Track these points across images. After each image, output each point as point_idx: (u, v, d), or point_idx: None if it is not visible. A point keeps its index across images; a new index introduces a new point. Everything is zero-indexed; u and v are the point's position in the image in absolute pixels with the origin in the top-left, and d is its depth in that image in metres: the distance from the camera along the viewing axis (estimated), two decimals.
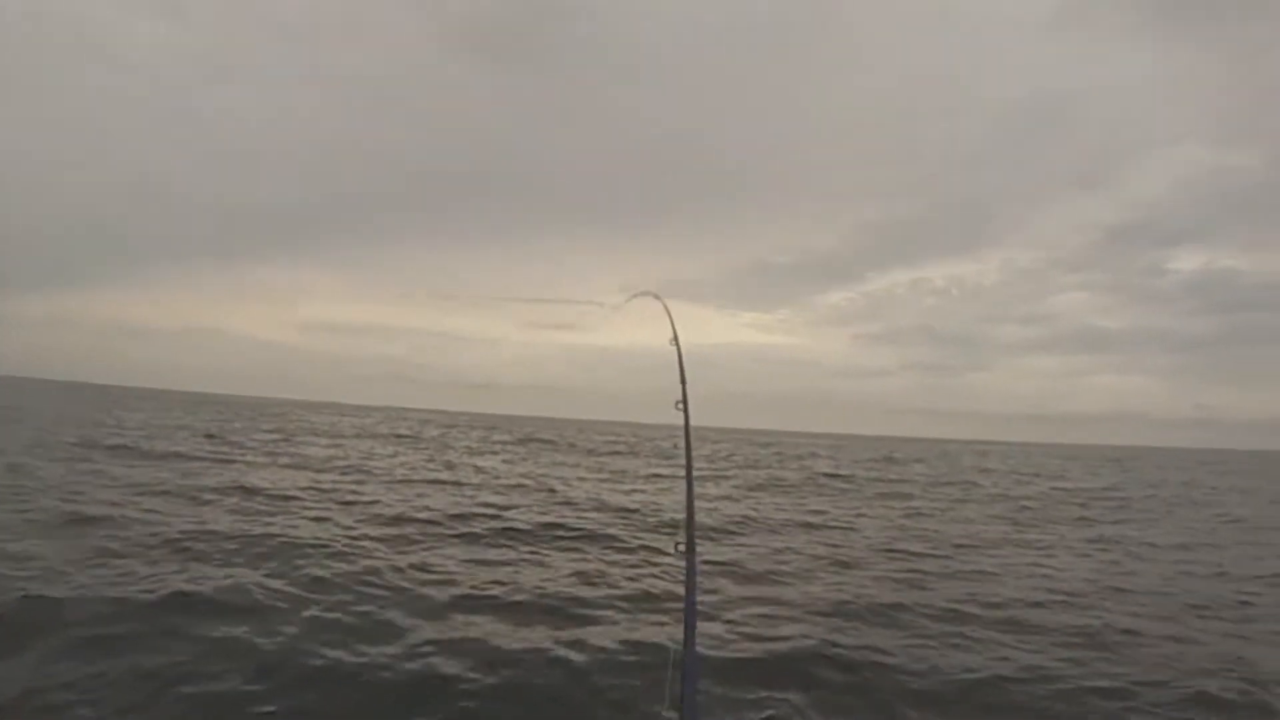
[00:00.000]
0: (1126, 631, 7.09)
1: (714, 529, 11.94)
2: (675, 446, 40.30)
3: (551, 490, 16.08)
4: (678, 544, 2.80)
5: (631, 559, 9.39)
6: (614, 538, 10.69)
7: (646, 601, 7.36)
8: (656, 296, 3.83)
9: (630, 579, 8.27)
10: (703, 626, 6.36)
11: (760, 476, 23.69)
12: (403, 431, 40.27)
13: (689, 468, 3.09)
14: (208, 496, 11.94)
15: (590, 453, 32.12)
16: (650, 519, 12.51)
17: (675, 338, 3.44)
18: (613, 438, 51.13)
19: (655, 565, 8.93)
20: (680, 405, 3.24)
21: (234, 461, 18.00)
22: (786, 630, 6.61)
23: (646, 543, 10.38)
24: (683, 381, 3.27)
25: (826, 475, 24.98)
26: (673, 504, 14.45)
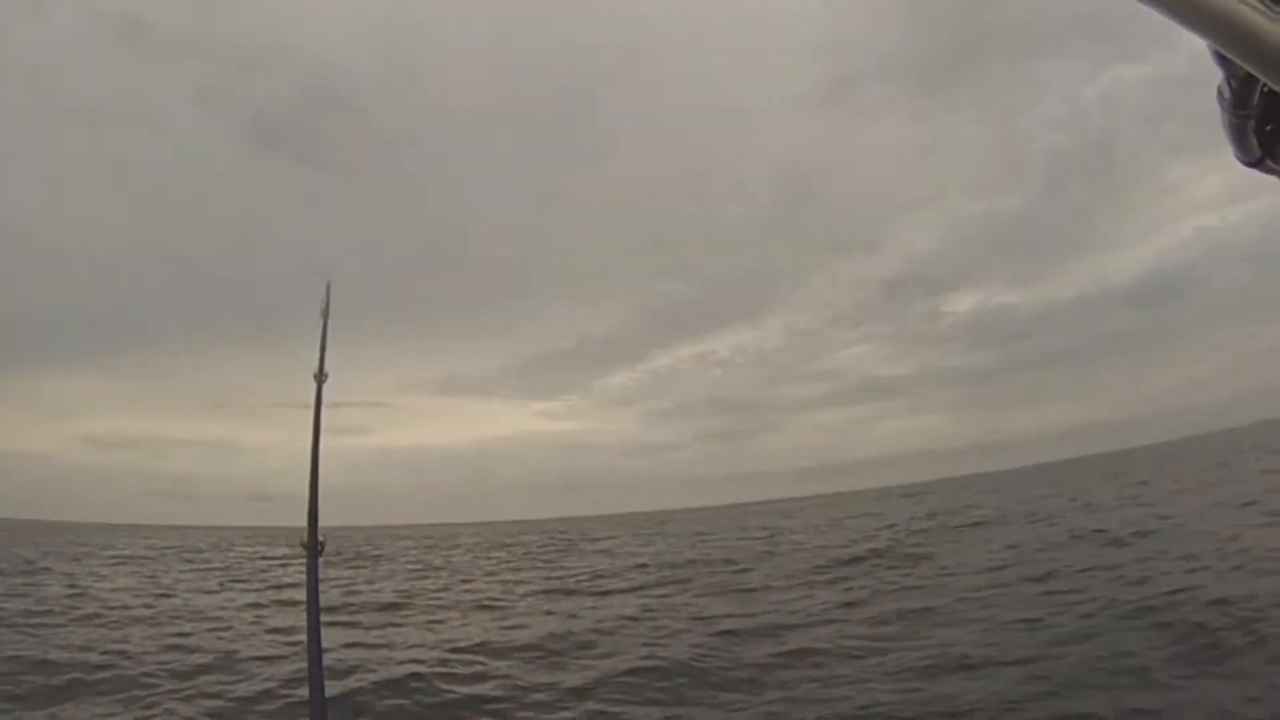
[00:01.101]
0: None
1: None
2: (475, 552, 38.25)
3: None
4: (302, 542, 2.18)
5: None
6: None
7: None
8: None
9: None
10: None
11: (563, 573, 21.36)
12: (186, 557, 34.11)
13: (315, 455, 2.47)
14: None
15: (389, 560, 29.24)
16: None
17: (325, 311, 2.90)
18: (409, 542, 47.26)
19: None
20: (317, 377, 2.67)
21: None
22: None
23: None
24: (322, 350, 2.71)
25: (633, 568, 21.22)
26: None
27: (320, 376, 2.79)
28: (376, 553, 31.47)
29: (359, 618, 12.97)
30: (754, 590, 13.99)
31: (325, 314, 3.06)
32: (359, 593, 16.84)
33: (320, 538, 2.25)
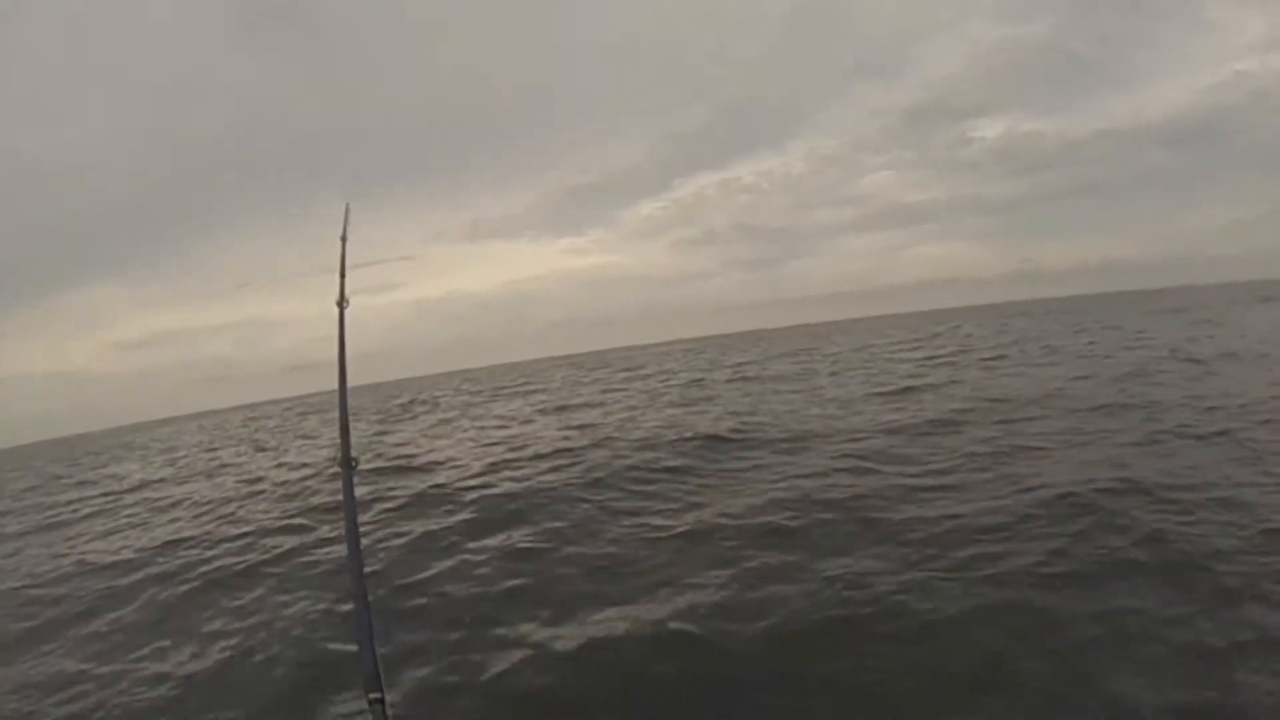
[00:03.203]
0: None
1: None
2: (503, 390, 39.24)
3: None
4: (335, 460, 2.42)
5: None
6: None
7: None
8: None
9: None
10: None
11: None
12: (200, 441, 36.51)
13: (342, 375, 2.67)
14: None
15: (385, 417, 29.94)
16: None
17: (344, 236, 3.02)
18: (449, 391, 48.90)
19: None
20: (339, 303, 2.82)
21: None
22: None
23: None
24: (342, 276, 2.85)
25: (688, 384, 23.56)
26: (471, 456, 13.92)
27: (342, 303, 2.86)
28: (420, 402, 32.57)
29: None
30: None
31: (344, 239, 3.10)
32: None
33: (354, 454, 2.43)
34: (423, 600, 5.81)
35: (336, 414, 2.56)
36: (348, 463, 2.37)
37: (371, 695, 2.05)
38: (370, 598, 2.20)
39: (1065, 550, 5.19)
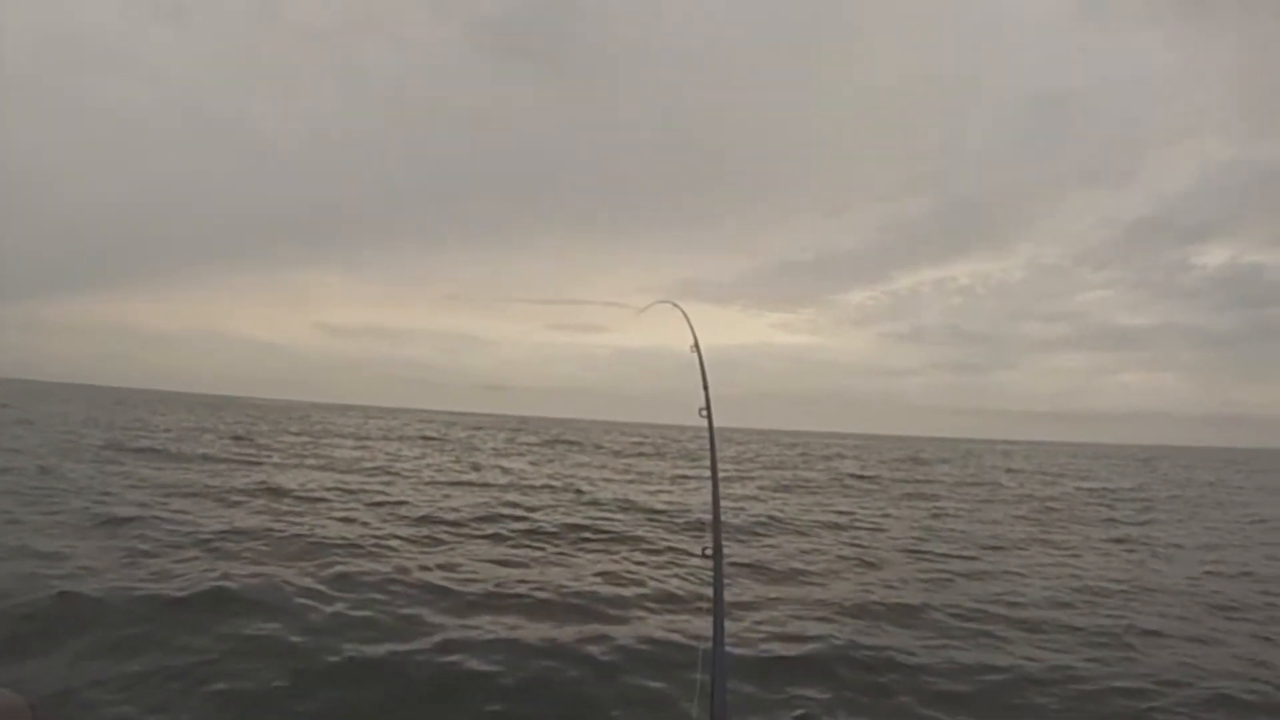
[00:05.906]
0: (1150, 632, 7.04)
1: (740, 529, 11.95)
2: (700, 448, 40.03)
3: (579, 491, 16.08)
4: (705, 549, 2.79)
5: (659, 559, 9.39)
6: (642, 539, 10.70)
7: (673, 602, 7.34)
8: (675, 304, 3.86)
9: (657, 580, 8.23)
10: (730, 626, 6.33)
11: (786, 477, 23.62)
12: (429, 434, 40.30)
13: (714, 473, 3.09)
14: (236, 498, 12.13)
15: (617, 454, 31.81)
16: (678, 520, 12.44)
17: (696, 344, 3.44)
18: (638, 438, 51.14)
19: (682, 566, 8.90)
20: (703, 412, 3.23)
21: (261, 463, 18.24)
22: (813, 630, 6.58)
23: (673, 544, 10.33)
24: (705, 388, 3.26)
25: (853, 476, 24.66)
26: (700, 504, 14.38)
27: (708, 411, 3.25)
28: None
29: None
30: None
31: (697, 348, 3.47)
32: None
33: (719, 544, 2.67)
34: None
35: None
36: (718, 551, 2.71)
37: None
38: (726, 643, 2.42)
39: None
